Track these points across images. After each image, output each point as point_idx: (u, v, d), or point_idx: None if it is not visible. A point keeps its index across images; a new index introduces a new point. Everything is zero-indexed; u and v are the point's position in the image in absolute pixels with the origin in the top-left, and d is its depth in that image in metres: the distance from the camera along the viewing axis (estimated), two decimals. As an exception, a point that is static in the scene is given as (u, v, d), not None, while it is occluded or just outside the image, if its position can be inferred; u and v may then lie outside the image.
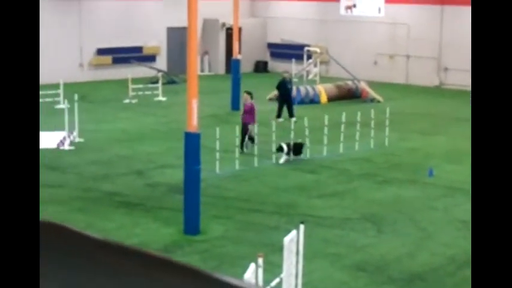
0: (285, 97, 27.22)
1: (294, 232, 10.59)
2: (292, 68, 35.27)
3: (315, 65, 36.89)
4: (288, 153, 20.46)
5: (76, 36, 36.22)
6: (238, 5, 28.96)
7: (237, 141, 19.99)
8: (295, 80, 33.21)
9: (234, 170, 19.54)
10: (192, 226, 14.60)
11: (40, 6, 33.02)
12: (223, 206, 16.60)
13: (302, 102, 30.49)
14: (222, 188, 17.99)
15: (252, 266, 9.45)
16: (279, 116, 26.57)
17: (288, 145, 20.50)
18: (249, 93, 22.31)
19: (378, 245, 14.23)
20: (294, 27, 41.57)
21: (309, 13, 41.20)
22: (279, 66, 41.38)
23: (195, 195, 14.58)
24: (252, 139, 21.38)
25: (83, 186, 17.95)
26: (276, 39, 42.66)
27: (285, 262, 10.23)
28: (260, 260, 9.72)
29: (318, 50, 37.22)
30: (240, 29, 30.65)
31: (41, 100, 28.20)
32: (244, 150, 21.20)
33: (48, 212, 15.79)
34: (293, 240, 10.47)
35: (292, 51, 39.75)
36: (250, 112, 21.72)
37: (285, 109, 26.98)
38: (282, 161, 20.18)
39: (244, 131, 21.47)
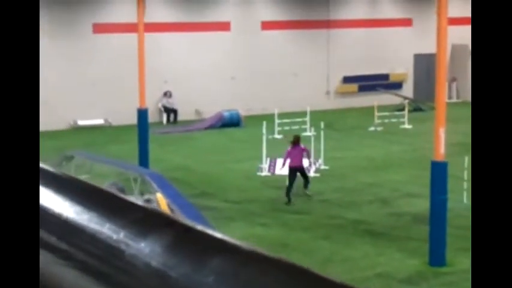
0: None
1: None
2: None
3: None
4: None
5: (324, 64, 36.83)
6: (488, 30, 28.02)
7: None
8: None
9: (482, 200, 18.78)
10: (438, 257, 14.18)
11: (290, 37, 33.98)
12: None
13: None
14: (470, 219, 17.32)
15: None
16: None
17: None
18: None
19: None
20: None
21: None
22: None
23: (442, 225, 14.16)
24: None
25: (328, 214, 18.05)
26: (528, 65, 40.85)
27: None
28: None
29: None
30: (490, 55, 29.64)
31: (289, 127, 28.93)
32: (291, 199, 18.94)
33: (292, 239, 16.05)
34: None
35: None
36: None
37: None
38: None
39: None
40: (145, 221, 2.36)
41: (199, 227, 2.25)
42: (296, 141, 19.86)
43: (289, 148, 19.78)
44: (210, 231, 2.21)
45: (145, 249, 2.22)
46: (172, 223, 2.34)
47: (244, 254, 2.08)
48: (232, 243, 2.12)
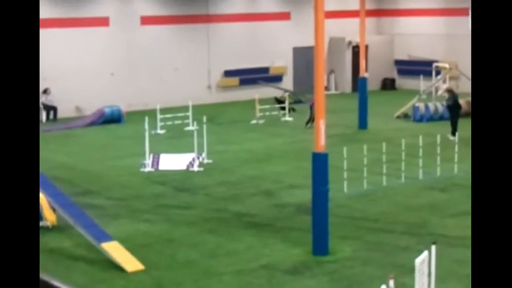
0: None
1: (425, 253, 10.32)
2: (420, 84, 34.74)
3: (444, 81, 36.12)
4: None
5: (204, 58, 36.89)
6: (364, 23, 28.75)
7: (365, 161, 19.76)
8: (423, 97, 32.63)
9: (362, 189, 19.31)
10: (320, 247, 14.47)
11: (170, 32, 33.93)
12: (352, 226, 16.41)
13: (431, 119, 29.93)
14: (350, 208, 17.79)
15: (383, 288, 9.25)
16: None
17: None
18: None
19: (515, 267, 13.68)
20: (421, 43, 40.93)
21: (437, 28, 40.48)
22: (406, 83, 40.81)
23: (323, 215, 14.45)
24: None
25: (212, 207, 18.14)
26: (403, 56, 42.11)
27: (417, 284, 9.97)
28: (391, 282, 9.51)
29: (446, 65, 36.40)
30: (366, 47, 30.40)
31: (171, 122, 28.88)
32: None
33: (178, 234, 16.05)
34: (425, 261, 10.20)
35: (420, 68, 39.05)
36: None
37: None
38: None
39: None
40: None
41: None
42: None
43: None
44: None
45: None
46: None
47: None
48: None
